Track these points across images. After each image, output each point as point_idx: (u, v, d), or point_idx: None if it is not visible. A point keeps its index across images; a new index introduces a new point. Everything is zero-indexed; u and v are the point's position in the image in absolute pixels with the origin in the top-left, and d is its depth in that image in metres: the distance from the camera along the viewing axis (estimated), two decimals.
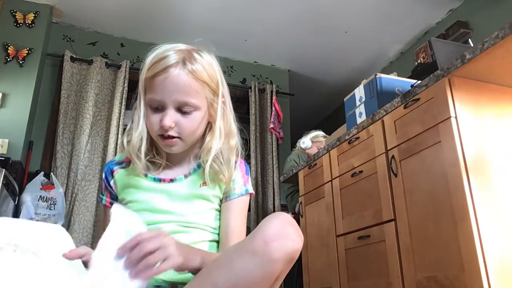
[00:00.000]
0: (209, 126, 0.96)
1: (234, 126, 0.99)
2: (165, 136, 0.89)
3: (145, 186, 0.93)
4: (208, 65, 0.92)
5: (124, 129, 1.02)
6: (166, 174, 0.95)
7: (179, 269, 0.71)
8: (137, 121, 0.93)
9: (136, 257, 0.63)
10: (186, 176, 0.94)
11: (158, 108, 0.89)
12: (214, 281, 0.67)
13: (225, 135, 0.96)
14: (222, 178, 0.93)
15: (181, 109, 0.88)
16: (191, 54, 0.91)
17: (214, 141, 0.93)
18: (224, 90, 0.96)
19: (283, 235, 0.66)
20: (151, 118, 0.90)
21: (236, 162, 0.98)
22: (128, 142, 0.94)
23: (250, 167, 3.61)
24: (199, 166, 0.95)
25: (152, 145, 0.96)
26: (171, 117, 0.87)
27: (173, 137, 0.89)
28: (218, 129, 0.94)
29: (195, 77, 0.88)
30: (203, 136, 0.96)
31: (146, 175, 0.94)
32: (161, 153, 0.97)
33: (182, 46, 0.93)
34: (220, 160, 0.94)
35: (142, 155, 0.92)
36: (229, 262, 0.68)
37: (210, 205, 0.94)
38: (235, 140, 0.98)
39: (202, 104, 0.91)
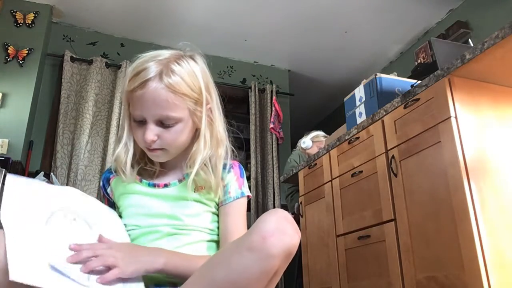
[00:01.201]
0: (198, 132, 0.95)
1: (223, 133, 0.97)
2: (150, 148, 0.90)
3: (140, 191, 0.94)
4: (188, 74, 0.89)
5: None
6: (160, 179, 0.96)
7: (136, 276, 0.74)
8: (122, 132, 0.94)
9: (84, 256, 0.69)
10: (180, 181, 0.95)
11: (141, 121, 0.89)
12: (212, 277, 0.68)
13: (213, 142, 0.94)
14: (211, 186, 0.93)
15: (163, 123, 0.88)
16: (169, 66, 0.87)
17: (199, 152, 0.92)
18: (209, 97, 0.94)
19: (281, 230, 0.66)
20: (136, 132, 0.91)
21: (230, 165, 0.98)
22: (116, 154, 0.95)
23: (250, 167, 3.62)
24: None
25: (144, 153, 0.96)
26: (152, 131, 0.87)
27: (158, 149, 0.90)
28: (203, 138, 0.92)
29: (173, 90, 0.86)
30: (193, 142, 0.95)
31: (141, 181, 0.95)
32: (153, 162, 0.97)
33: (164, 54, 0.90)
34: (209, 168, 0.93)
35: (128, 168, 0.93)
36: (227, 258, 0.68)
37: (206, 208, 0.94)
38: (224, 147, 0.97)
39: (184, 115, 0.89)
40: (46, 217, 0.71)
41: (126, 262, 0.72)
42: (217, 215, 0.96)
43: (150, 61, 0.88)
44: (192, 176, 0.90)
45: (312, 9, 3.30)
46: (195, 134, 0.95)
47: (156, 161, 0.97)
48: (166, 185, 0.94)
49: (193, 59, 0.94)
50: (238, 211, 0.95)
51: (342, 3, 3.24)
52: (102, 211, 0.87)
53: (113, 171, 1.00)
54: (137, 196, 0.94)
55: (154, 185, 0.94)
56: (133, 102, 0.88)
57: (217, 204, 0.96)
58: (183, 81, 0.88)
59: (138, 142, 0.92)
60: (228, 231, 0.92)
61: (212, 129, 0.95)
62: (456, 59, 1.49)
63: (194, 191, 0.93)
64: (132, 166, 0.95)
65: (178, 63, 0.89)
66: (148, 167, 0.96)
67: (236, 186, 0.96)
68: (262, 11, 3.34)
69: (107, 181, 1.00)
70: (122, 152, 0.93)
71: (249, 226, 0.87)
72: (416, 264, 1.57)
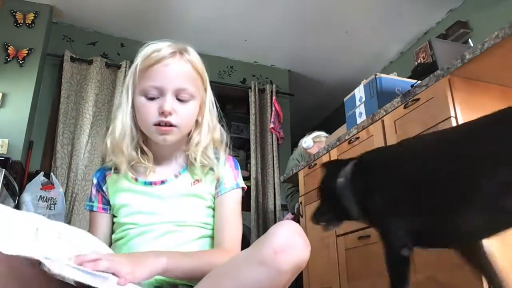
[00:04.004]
0: (197, 121, 0.98)
1: (216, 121, 1.01)
2: (161, 125, 0.89)
3: (137, 190, 0.94)
4: (199, 58, 0.97)
5: None
6: (156, 176, 0.95)
7: (144, 279, 0.70)
8: (121, 118, 0.93)
9: (90, 258, 0.65)
10: (176, 176, 0.95)
11: (153, 97, 0.89)
12: None
13: (212, 129, 0.98)
14: (210, 172, 0.95)
15: (179, 97, 0.90)
16: (185, 47, 0.95)
17: (203, 134, 0.95)
18: (209, 86, 1.00)
19: (292, 245, 0.65)
20: (146, 107, 0.89)
21: (225, 158, 0.99)
22: (112, 142, 0.93)
23: (250, 167, 3.62)
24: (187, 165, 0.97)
25: (137, 146, 0.95)
26: (170, 103, 0.88)
27: (170, 125, 0.89)
28: (206, 123, 0.96)
29: (193, 66, 0.93)
30: (189, 132, 0.97)
31: (136, 180, 0.94)
32: (147, 154, 0.96)
33: (172, 42, 0.95)
34: (207, 154, 0.95)
35: (129, 151, 0.92)
36: (236, 270, 0.67)
37: (203, 203, 0.94)
38: (218, 134, 1.00)
39: (197, 94, 0.93)
40: (34, 232, 0.66)
41: (133, 266, 0.68)
42: (214, 209, 0.96)
43: (164, 45, 0.92)
44: (199, 154, 0.93)
45: (312, 9, 3.30)
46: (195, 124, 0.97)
47: (150, 156, 0.95)
48: (163, 182, 0.94)
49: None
50: (233, 202, 0.96)
51: (342, 3, 3.23)
52: (78, 230, 0.78)
53: (108, 168, 0.99)
54: (133, 195, 0.93)
55: (150, 183, 0.94)
56: (150, 77, 0.89)
57: (214, 197, 0.96)
58: (198, 61, 0.95)
59: (146, 121, 0.90)
60: (222, 222, 0.93)
61: (212, 115, 0.99)
62: (456, 59, 1.49)
63: (191, 185, 0.93)
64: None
65: (191, 48, 0.96)
66: (141, 164, 0.94)
67: (231, 177, 0.98)
68: (262, 11, 3.34)
69: (103, 178, 0.99)
70: (121, 137, 0.92)
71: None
72: (416, 264, 1.57)
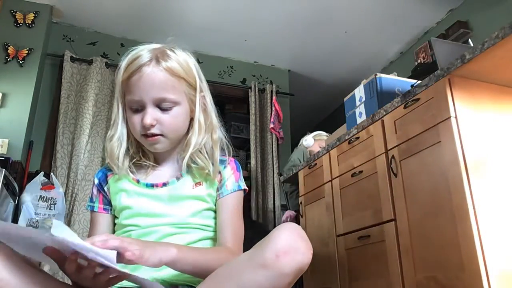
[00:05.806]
0: (193, 122, 0.97)
1: (216, 120, 1.00)
2: (148, 135, 0.90)
3: (138, 192, 0.94)
4: (183, 60, 0.93)
5: None
6: (157, 178, 0.95)
7: (152, 264, 0.71)
8: (115, 126, 0.95)
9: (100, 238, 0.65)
10: (178, 179, 0.95)
11: (138, 109, 0.90)
12: None
13: (207, 129, 0.97)
14: (208, 173, 0.94)
15: (161, 106, 0.89)
16: (164, 51, 0.92)
17: (193, 135, 0.94)
18: (202, 85, 0.97)
19: (294, 249, 0.65)
20: (132, 119, 0.91)
21: (225, 160, 0.99)
22: (110, 147, 0.95)
23: (250, 167, 3.62)
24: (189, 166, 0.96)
25: (138, 147, 0.97)
26: (151, 115, 0.88)
27: (157, 135, 0.90)
28: (197, 123, 0.95)
29: (171, 72, 0.89)
30: (187, 132, 0.97)
31: (138, 181, 0.94)
32: (147, 154, 0.97)
33: (155, 45, 0.94)
34: (204, 154, 0.95)
35: (120, 160, 0.93)
36: (238, 273, 0.67)
37: (205, 205, 0.94)
38: (218, 134, 0.99)
39: (181, 99, 0.92)
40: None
41: (143, 248, 0.69)
42: (215, 212, 0.96)
43: (144, 50, 0.91)
44: (186, 157, 0.92)
45: (312, 9, 3.30)
46: (190, 124, 0.97)
47: (150, 156, 0.97)
48: (164, 184, 0.94)
49: (184, 52, 0.97)
50: (234, 203, 0.96)
51: (342, 3, 3.23)
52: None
53: (109, 169, 1.00)
54: (135, 197, 0.93)
55: (152, 186, 0.94)
56: (130, 89, 0.90)
57: (215, 199, 0.96)
58: (179, 65, 0.91)
59: (134, 131, 0.92)
60: (224, 223, 0.93)
61: (206, 115, 0.97)
62: (456, 59, 1.49)
63: (193, 188, 0.94)
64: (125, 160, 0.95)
65: (172, 51, 0.93)
66: (142, 161, 0.96)
67: (233, 179, 0.98)
68: (262, 11, 3.34)
69: (105, 178, 1.00)
70: (115, 145, 0.94)
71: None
72: (416, 264, 1.57)
